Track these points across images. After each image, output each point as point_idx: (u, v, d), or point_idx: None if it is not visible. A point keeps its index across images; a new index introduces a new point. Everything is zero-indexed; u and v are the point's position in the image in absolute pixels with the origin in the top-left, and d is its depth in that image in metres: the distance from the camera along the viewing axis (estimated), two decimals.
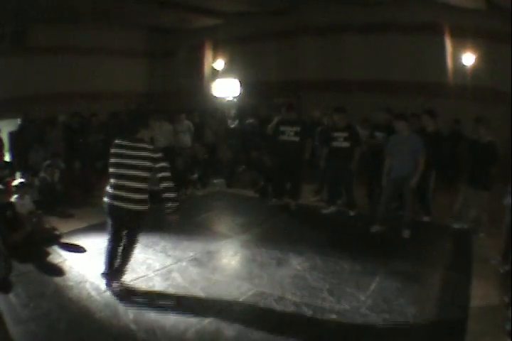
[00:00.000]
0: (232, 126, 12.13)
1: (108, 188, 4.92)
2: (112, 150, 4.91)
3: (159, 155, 4.85)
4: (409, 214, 7.37)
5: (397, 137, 7.37)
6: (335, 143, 8.21)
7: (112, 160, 4.89)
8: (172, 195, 4.89)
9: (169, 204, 4.86)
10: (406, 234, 7.26)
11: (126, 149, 4.82)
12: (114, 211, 4.91)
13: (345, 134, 8.13)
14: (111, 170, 4.89)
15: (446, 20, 11.85)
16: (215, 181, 11.05)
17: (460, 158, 9.03)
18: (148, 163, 4.77)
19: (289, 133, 8.57)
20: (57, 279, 5.43)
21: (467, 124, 10.13)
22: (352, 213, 8.42)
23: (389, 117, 8.26)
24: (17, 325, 4.33)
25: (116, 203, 4.82)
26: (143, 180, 4.81)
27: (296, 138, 8.55)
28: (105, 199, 4.94)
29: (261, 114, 10.49)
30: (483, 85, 11.55)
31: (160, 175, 4.83)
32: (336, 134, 8.19)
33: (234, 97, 12.68)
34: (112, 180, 4.88)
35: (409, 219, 7.36)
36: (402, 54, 12.65)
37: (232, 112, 11.13)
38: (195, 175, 10.68)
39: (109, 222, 5.10)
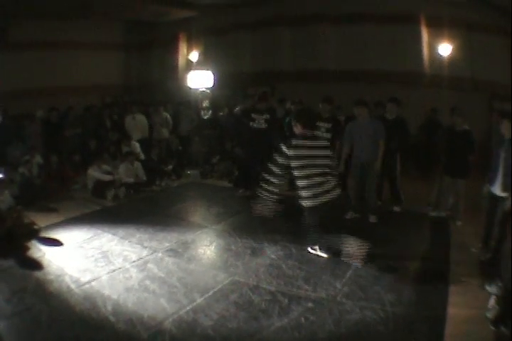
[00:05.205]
0: (206, 117, 12.26)
1: None
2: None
3: None
4: (374, 199, 7.54)
5: (356, 123, 7.47)
6: (317, 133, 8.26)
7: None
8: None
9: None
10: (372, 218, 7.44)
11: None
12: None
13: (328, 125, 8.09)
14: None
15: (423, 10, 12.03)
16: (189, 172, 11.22)
17: (437, 146, 9.24)
18: None
19: (259, 121, 8.64)
20: (38, 273, 5.51)
21: (444, 114, 10.33)
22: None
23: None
24: (2, 320, 4.41)
25: None
26: None
27: (265, 126, 8.62)
28: None
29: (233, 105, 10.59)
30: (460, 75, 11.80)
31: None
32: (320, 124, 8.01)
33: (208, 88, 12.75)
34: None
35: (374, 203, 7.54)
36: (379, 44, 12.80)
37: (206, 103, 11.21)
38: (170, 167, 10.87)
39: None
